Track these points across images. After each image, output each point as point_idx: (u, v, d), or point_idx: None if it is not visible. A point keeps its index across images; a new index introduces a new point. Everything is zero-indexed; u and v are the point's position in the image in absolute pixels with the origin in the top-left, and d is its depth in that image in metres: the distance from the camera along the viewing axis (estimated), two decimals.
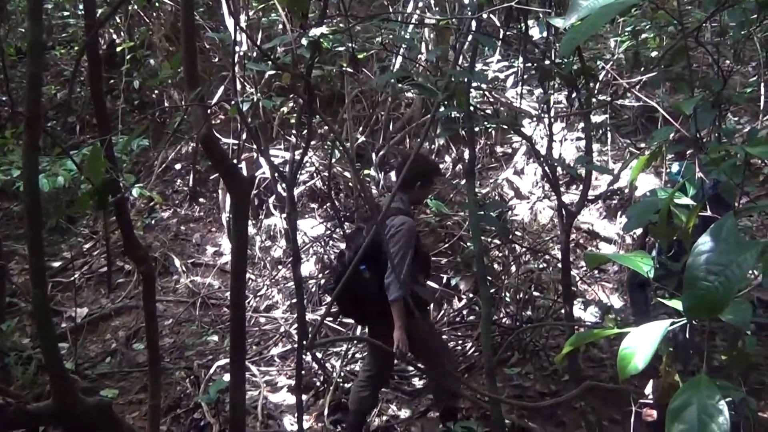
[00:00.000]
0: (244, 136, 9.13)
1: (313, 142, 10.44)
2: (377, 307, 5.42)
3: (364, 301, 5.47)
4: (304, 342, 4.72)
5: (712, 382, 1.92)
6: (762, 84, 10.25)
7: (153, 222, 10.61)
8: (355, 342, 7.67)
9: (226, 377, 6.63)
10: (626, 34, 9.30)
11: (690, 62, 4.80)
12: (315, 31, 4.22)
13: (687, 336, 5.15)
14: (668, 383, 2.75)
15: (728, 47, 7.62)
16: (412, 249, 5.41)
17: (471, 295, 8.38)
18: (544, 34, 6.38)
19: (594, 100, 8.01)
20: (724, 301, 1.75)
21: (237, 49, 7.83)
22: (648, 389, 4.12)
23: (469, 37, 5.91)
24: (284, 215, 9.30)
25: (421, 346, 5.61)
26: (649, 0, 6.08)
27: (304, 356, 5.80)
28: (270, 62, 5.46)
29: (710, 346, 5.96)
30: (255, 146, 9.26)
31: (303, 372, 5.93)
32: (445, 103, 4.82)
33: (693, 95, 3.98)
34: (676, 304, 2.27)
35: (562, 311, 7.14)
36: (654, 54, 8.73)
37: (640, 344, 2.12)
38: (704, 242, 1.83)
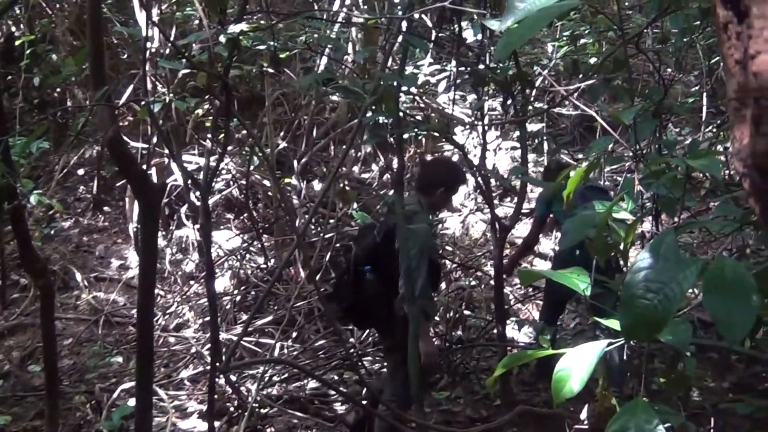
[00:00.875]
0: (154, 139, 9.01)
1: (230, 148, 10.38)
2: (380, 311, 5.46)
3: (366, 304, 5.44)
4: (218, 364, 4.68)
5: (650, 406, 1.96)
6: (704, 94, 10.53)
7: (52, 232, 10.40)
8: (272, 364, 7.62)
9: (131, 402, 6.51)
10: (564, 38, 9.47)
11: (630, 70, 4.91)
12: (234, 28, 4.21)
13: (624, 357, 5.25)
14: (605, 407, 2.80)
15: (670, 55, 7.81)
16: (428, 257, 5.41)
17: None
18: (479, 36, 6.46)
19: (530, 107, 8.16)
20: (663, 320, 1.79)
21: (148, 45, 7.75)
22: (584, 414, 4.18)
23: (399, 38, 5.96)
24: (197, 226, 9.21)
25: (400, 355, 5.60)
26: (589, 4, 6.21)
27: (217, 379, 5.74)
28: (184, 60, 5.42)
29: (649, 368, 6.08)
30: (166, 151, 9.16)
31: (216, 396, 5.87)
32: (373, 107, 4.85)
33: (633, 104, 4.06)
34: (613, 323, 2.31)
35: (495, 331, 7.23)
36: (593, 60, 8.90)
37: (576, 366, 2.15)
38: (643, 259, 1.87)
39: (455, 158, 11.07)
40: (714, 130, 11.27)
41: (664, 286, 1.81)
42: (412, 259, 5.23)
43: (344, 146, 10.79)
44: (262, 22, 4.90)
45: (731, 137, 1.42)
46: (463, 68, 6.89)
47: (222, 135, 5.90)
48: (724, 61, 1.38)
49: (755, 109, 1.34)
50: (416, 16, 6.41)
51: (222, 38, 4.25)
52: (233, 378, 7.41)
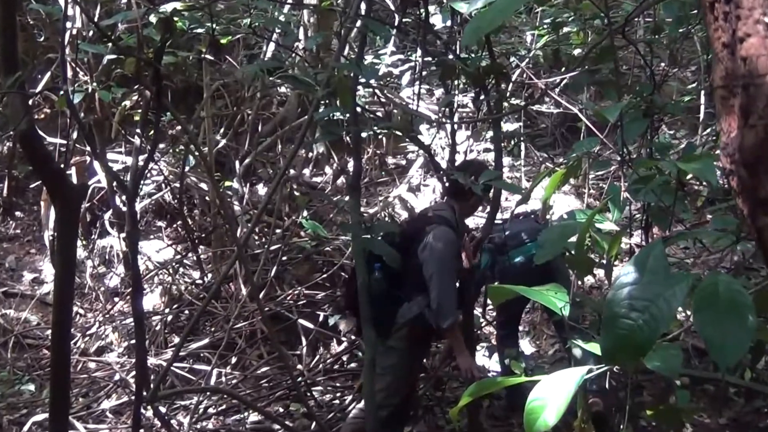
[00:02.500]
0: (74, 135, 8.93)
1: (162, 146, 10.33)
2: (382, 316, 5.52)
3: (373, 305, 5.48)
4: (144, 392, 4.65)
5: None
6: (702, 91, 10.63)
7: None
8: (208, 394, 7.59)
9: None
10: (545, 26, 9.52)
11: (617, 63, 4.96)
12: (167, 7, 4.19)
13: (605, 387, 5.30)
14: None
15: (663, 47, 7.89)
16: (455, 266, 5.51)
17: (353, 338, 8.39)
18: (448, 22, 6.49)
19: (506, 104, 8.19)
20: (648, 342, 1.81)
21: (68, 25, 7.70)
22: None
23: (358, 23, 5.97)
24: (123, 235, 9.15)
25: (403, 372, 5.69)
26: None
27: (143, 410, 5.69)
28: (110, 44, 5.39)
29: (636, 401, 6.14)
30: (88, 148, 9.09)
31: (141, 431, 5.83)
32: (326, 101, 4.85)
33: (620, 101, 4.10)
34: (595, 347, 2.33)
35: None
36: (577, 52, 8.96)
37: (552, 396, 2.16)
38: (627, 273, 1.89)
39: (421, 160, 11.13)
40: (713, 133, 11.40)
41: (650, 304, 1.83)
42: (433, 267, 5.41)
43: (293, 145, 10.78)
44: (199, 0, 4.88)
45: (718, 130, 1.44)
46: (429, 58, 6.90)
47: (152, 131, 5.85)
48: (711, 44, 1.39)
49: (744, 97, 1.36)
50: None
51: (153, 18, 4.23)
52: (162, 409, 7.36)
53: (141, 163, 5.19)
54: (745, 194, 1.42)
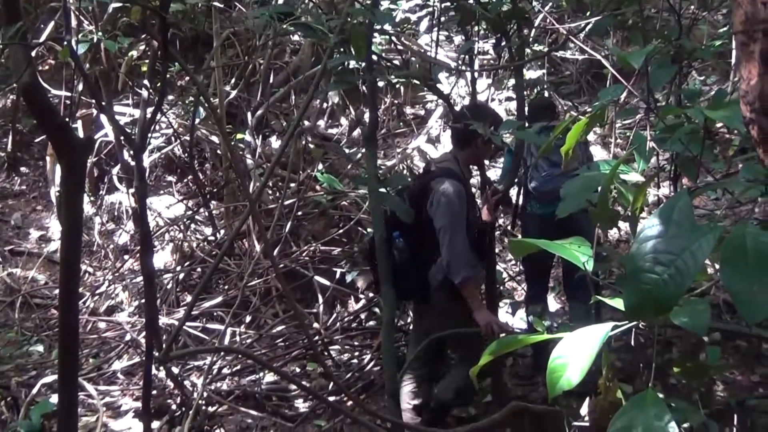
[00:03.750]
0: (80, 87, 8.95)
1: (170, 97, 10.32)
2: (414, 284, 5.61)
3: (399, 275, 5.51)
4: (156, 353, 4.68)
5: (660, 399, 1.97)
6: (733, 35, 10.52)
7: None
8: (222, 354, 7.63)
9: (54, 399, 6.52)
10: None
11: (642, 6, 4.91)
12: None
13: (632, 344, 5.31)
14: (608, 402, 2.83)
15: None
16: (464, 219, 5.50)
17: (371, 295, 8.42)
18: None
19: (528, 50, 8.14)
20: (674, 297, 1.81)
21: None
22: (584, 409, 4.22)
23: None
24: (132, 190, 9.18)
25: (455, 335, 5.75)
26: None
27: (155, 372, 5.74)
28: None
29: (666, 358, 6.15)
30: (94, 101, 9.10)
31: (154, 392, 5.88)
32: (340, 49, 4.83)
33: (647, 46, 4.07)
34: (619, 302, 2.32)
35: None
36: None
37: (575, 354, 2.16)
38: (651, 226, 1.88)
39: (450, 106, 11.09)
40: None
41: (675, 258, 1.82)
42: (440, 221, 5.42)
43: (307, 96, 10.76)
44: None
45: (738, 76, 1.43)
46: (448, 3, 6.86)
47: (160, 82, 5.82)
48: None
49: (764, 43, 1.34)
50: None
51: None
52: (175, 370, 7.42)
53: (149, 116, 5.19)
54: (765, 144, 1.41)
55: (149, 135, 5.51)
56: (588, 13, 8.54)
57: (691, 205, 1.91)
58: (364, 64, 4.96)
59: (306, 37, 10.05)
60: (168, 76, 9.38)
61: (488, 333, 5.49)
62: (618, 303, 2.36)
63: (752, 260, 1.77)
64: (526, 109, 6.50)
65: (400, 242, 5.61)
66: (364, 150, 5.72)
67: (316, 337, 7.69)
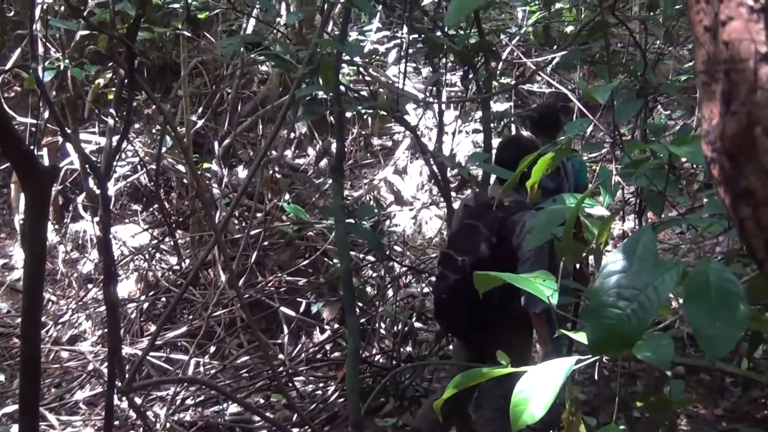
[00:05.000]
0: (46, 114, 8.91)
1: (137, 126, 10.30)
2: (497, 319, 5.55)
3: (482, 313, 5.48)
4: (118, 383, 4.66)
5: None
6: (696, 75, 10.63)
7: None
8: (185, 384, 7.59)
9: (15, 429, 6.46)
10: (536, 3, 9.54)
11: (609, 40, 4.96)
12: None
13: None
14: None
15: (659, 24, 7.90)
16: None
17: (336, 326, 8.41)
18: None
19: (495, 83, 8.20)
20: (636, 332, 1.82)
21: (38, 0, 7.66)
22: None
23: None
24: (97, 219, 9.14)
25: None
26: None
27: (118, 402, 5.70)
28: (81, 20, 5.37)
29: (629, 392, 6.17)
30: (60, 128, 9.06)
31: (116, 423, 5.84)
32: (308, 80, 4.85)
33: (613, 80, 4.11)
34: (582, 336, 2.33)
35: (450, 347, 7.27)
36: (569, 29, 8.98)
37: (539, 387, 2.17)
38: (615, 261, 1.90)
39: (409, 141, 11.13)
40: None
41: (639, 293, 1.83)
42: (528, 252, 5.35)
43: (274, 125, 10.75)
44: None
45: (700, 116, 1.45)
46: (416, 35, 6.90)
47: (126, 110, 5.81)
48: (692, 28, 1.40)
49: (726, 83, 1.36)
50: None
51: None
52: (138, 400, 7.37)
53: (115, 144, 5.18)
54: (726, 184, 1.43)
55: (114, 163, 5.50)
56: (555, 47, 8.62)
57: (654, 241, 1.92)
58: (332, 95, 4.98)
59: (274, 67, 10.08)
60: (135, 104, 9.39)
61: None
62: (581, 337, 2.37)
63: (715, 296, 1.79)
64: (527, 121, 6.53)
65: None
66: (330, 180, 5.73)
67: (281, 368, 7.66)
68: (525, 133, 11.14)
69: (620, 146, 3.02)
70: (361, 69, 7.83)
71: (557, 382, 2.14)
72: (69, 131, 8.10)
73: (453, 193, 6.54)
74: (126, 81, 5.11)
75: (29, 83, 6.90)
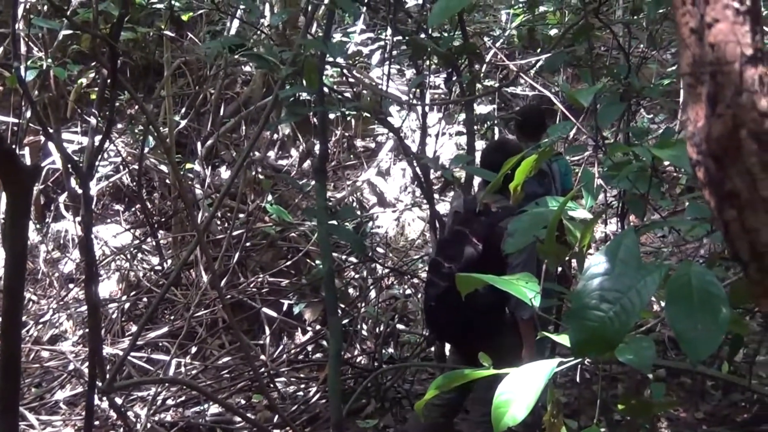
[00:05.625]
0: (28, 114, 8.87)
1: (120, 126, 10.26)
2: (485, 326, 5.55)
3: (471, 320, 5.48)
4: (99, 383, 4.63)
5: None
6: (681, 77, 10.68)
7: None
8: (166, 385, 7.56)
9: None
10: (521, 5, 9.55)
11: (592, 44, 4.97)
12: None
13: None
14: None
15: (642, 28, 7.92)
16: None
17: (318, 327, 8.39)
18: (419, 0, 6.48)
19: (479, 85, 8.20)
20: (618, 335, 1.82)
21: None
22: None
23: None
24: (78, 219, 9.10)
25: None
26: None
27: (98, 402, 5.68)
28: (65, 20, 5.35)
29: (611, 395, 6.18)
30: (42, 128, 9.02)
31: (96, 423, 5.81)
32: (292, 81, 4.84)
33: (596, 84, 4.11)
34: (565, 338, 2.33)
35: (432, 349, 7.27)
36: (553, 32, 8.99)
37: (520, 389, 2.16)
38: (597, 264, 1.90)
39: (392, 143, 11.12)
40: None
41: (621, 296, 1.83)
42: (519, 258, 5.34)
43: (257, 126, 10.72)
44: None
45: (685, 119, 1.44)
46: (400, 37, 6.90)
47: (108, 110, 5.78)
48: (678, 30, 1.40)
49: (711, 85, 1.36)
50: None
51: None
52: (119, 400, 7.34)
53: (97, 144, 5.16)
54: (711, 187, 1.43)
55: (97, 163, 5.47)
56: (539, 50, 8.63)
57: (637, 244, 1.92)
58: (315, 96, 4.96)
59: (258, 68, 10.06)
60: (117, 104, 9.35)
61: None
62: (564, 339, 2.37)
63: (697, 299, 1.79)
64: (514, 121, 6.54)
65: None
66: (314, 182, 5.71)
67: (262, 369, 7.64)
68: (510, 136, 11.21)
69: (603, 149, 3.02)
70: (345, 70, 7.82)
71: (539, 385, 2.14)
72: (50, 131, 8.08)
73: (436, 195, 6.53)
74: (109, 81, 5.09)
75: (11, 82, 6.86)
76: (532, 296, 2.57)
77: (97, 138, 5.20)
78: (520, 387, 2.16)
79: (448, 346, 6.93)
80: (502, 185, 5.46)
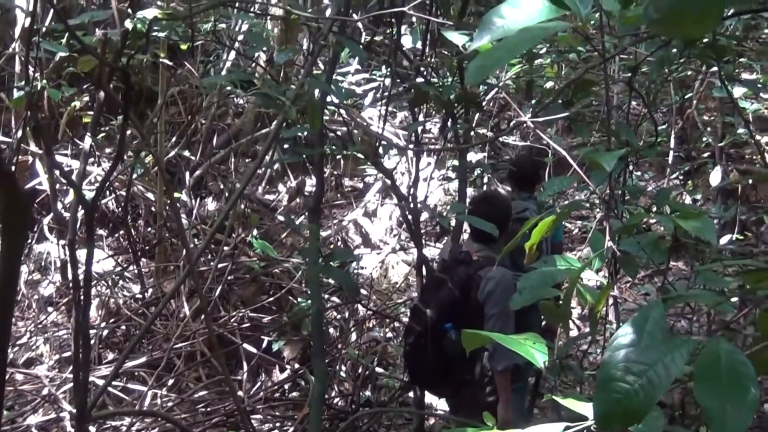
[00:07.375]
0: (19, 133, 8.82)
1: (107, 150, 10.23)
2: (465, 376, 5.60)
3: (449, 369, 5.49)
4: (73, 410, 4.58)
5: None
6: (672, 134, 10.77)
7: None
8: (142, 416, 7.49)
9: None
10: (517, 57, 9.59)
11: (592, 101, 4.99)
12: (146, 13, 4.14)
13: None
14: None
15: (643, 87, 7.96)
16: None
17: (296, 366, 8.34)
18: (418, 44, 6.50)
19: (472, 134, 8.22)
20: (644, 408, 1.81)
21: (21, 20, 7.60)
22: None
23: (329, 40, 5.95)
24: (63, 242, 9.04)
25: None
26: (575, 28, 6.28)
27: (71, 430, 5.60)
28: (69, 42, 5.33)
29: None
30: (30, 148, 8.99)
31: None
32: (294, 120, 4.82)
33: (591, 139, 4.12)
34: (575, 404, 2.31)
35: (411, 394, 7.23)
36: (549, 85, 9.03)
37: None
38: (625, 334, 1.88)
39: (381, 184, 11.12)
40: (680, 177, 11.55)
41: (648, 369, 1.82)
42: (495, 308, 5.43)
43: (248, 160, 10.72)
44: (179, 8, 4.83)
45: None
46: (398, 81, 6.90)
47: (104, 135, 5.74)
48: None
49: None
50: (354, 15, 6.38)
51: (129, 24, 4.18)
52: (92, 429, 7.27)
53: (102, 170, 5.13)
54: None
55: (81, 185, 5.43)
56: (534, 102, 8.66)
57: (664, 316, 1.92)
58: (311, 136, 4.96)
59: (252, 103, 10.06)
60: (108, 128, 9.34)
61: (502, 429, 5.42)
62: (569, 403, 2.35)
63: (726, 377, 1.78)
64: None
65: (452, 335, 5.58)
66: (307, 221, 5.69)
67: (242, 404, 7.58)
68: (499, 185, 11.24)
69: (615, 212, 3.01)
70: (342, 111, 7.81)
71: None
72: (51, 152, 8.04)
73: (431, 242, 6.51)
74: (105, 105, 5.07)
75: (15, 103, 6.83)
76: (540, 357, 2.53)
77: (89, 162, 5.17)
78: None
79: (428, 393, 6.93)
80: (488, 236, 5.53)
